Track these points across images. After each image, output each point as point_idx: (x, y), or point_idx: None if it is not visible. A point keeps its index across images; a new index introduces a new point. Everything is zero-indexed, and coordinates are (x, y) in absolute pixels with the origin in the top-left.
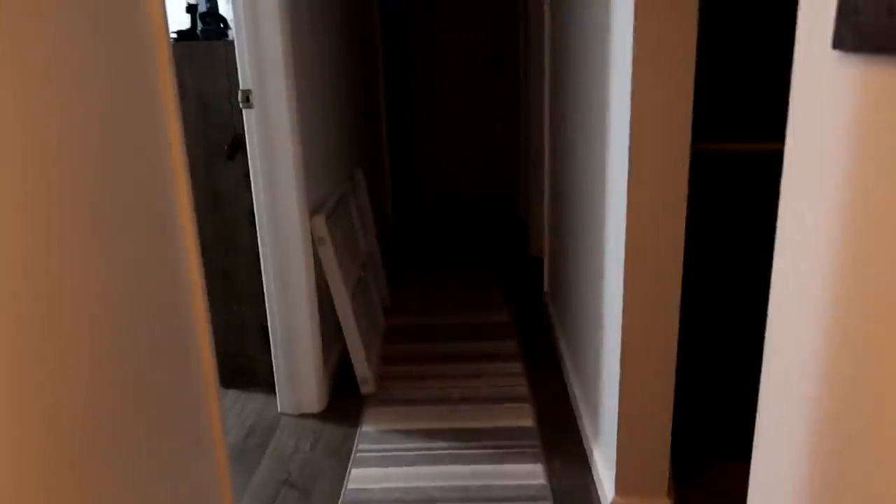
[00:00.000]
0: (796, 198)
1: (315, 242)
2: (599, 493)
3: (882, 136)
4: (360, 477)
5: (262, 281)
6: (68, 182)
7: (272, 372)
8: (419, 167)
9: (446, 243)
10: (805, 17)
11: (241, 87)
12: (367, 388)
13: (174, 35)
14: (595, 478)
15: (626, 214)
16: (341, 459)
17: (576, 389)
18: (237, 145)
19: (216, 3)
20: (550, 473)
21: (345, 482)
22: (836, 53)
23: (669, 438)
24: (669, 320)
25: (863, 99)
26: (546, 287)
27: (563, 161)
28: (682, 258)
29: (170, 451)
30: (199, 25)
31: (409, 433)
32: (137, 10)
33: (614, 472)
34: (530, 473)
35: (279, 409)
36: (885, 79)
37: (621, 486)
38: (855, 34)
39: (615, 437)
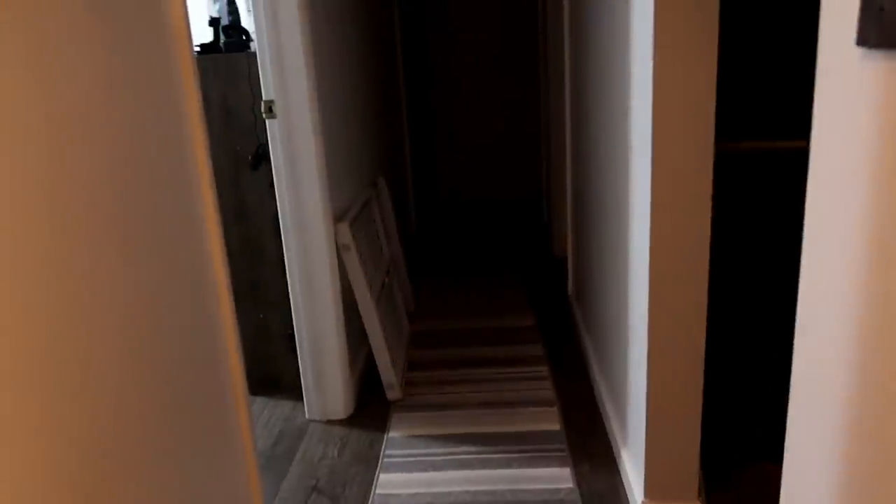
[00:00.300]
0: (823, 196)
1: (339, 249)
2: (628, 496)
3: None
4: (387, 482)
5: (287, 288)
6: (96, 193)
7: (299, 378)
8: (440, 171)
9: (469, 247)
10: (828, 14)
11: (263, 98)
12: (393, 394)
13: (198, 48)
14: (624, 481)
15: (650, 214)
16: (369, 465)
17: (602, 392)
18: (261, 155)
19: (238, 16)
20: (578, 477)
21: (373, 488)
22: (860, 50)
23: (699, 440)
24: (697, 320)
25: (887, 95)
26: (570, 289)
27: (585, 161)
28: (707, 258)
29: (200, 458)
30: (222, 38)
31: (435, 438)
32: (161, 24)
33: (643, 474)
34: (558, 477)
35: (306, 416)
36: None
37: (650, 489)
38: (879, 31)
39: (643, 439)
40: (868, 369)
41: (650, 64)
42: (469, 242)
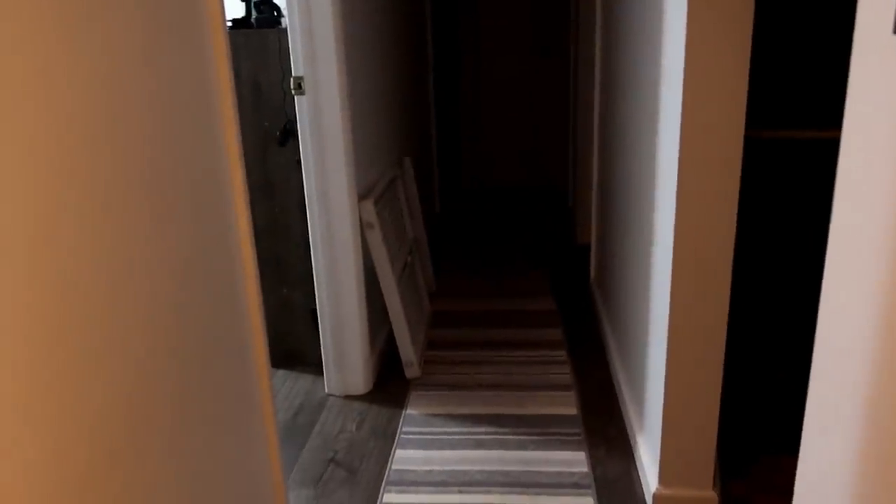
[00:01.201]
0: (852, 186)
1: (363, 227)
2: (643, 482)
3: None
4: (404, 458)
5: (311, 265)
6: (128, 160)
7: (320, 354)
8: (466, 155)
9: (492, 231)
10: (865, 3)
11: (293, 74)
12: (412, 372)
13: (229, 23)
14: (638, 467)
15: (675, 201)
16: (386, 441)
17: (620, 378)
18: (289, 131)
19: None
20: (593, 461)
21: (389, 463)
22: None
23: (716, 429)
24: (718, 309)
25: None
26: (592, 275)
27: (612, 148)
28: (732, 246)
29: (223, 426)
30: (254, 14)
31: (452, 417)
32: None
33: (658, 461)
34: (573, 461)
35: (326, 390)
36: None
37: (665, 476)
38: None
39: (660, 426)
40: (889, 366)
41: (682, 50)
42: (492, 226)
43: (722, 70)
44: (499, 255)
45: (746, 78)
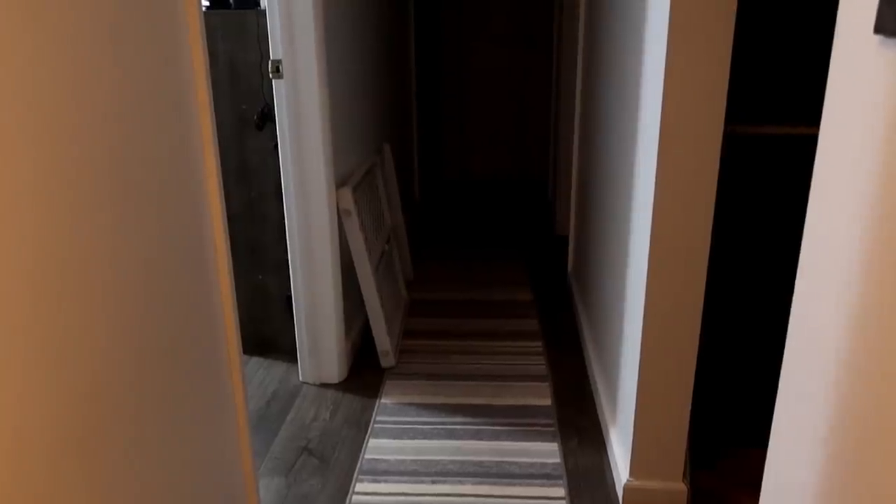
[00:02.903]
0: (828, 184)
1: (340, 214)
2: (614, 474)
3: None
4: (377, 447)
5: (287, 251)
6: (94, 148)
7: (295, 341)
8: (447, 144)
9: (472, 220)
10: (847, 1)
11: (271, 58)
12: (387, 361)
13: (207, 3)
14: (610, 458)
15: (654, 195)
16: (359, 430)
17: (595, 370)
18: (266, 115)
19: None
20: (566, 453)
21: (362, 452)
22: (878, 38)
23: (687, 422)
24: (693, 303)
25: None
26: (570, 266)
27: (592, 140)
28: (709, 241)
29: (192, 415)
30: None
31: (427, 407)
32: None
33: (630, 453)
34: (546, 452)
35: (300, 379)
36: None
37: (636, 467)
38: None
39: (632, 418)
40: (858, 363)
41: (664, 45)
42: (472, 215)
43: (703, 64)
44: (478, 244)
45: (727, 73)
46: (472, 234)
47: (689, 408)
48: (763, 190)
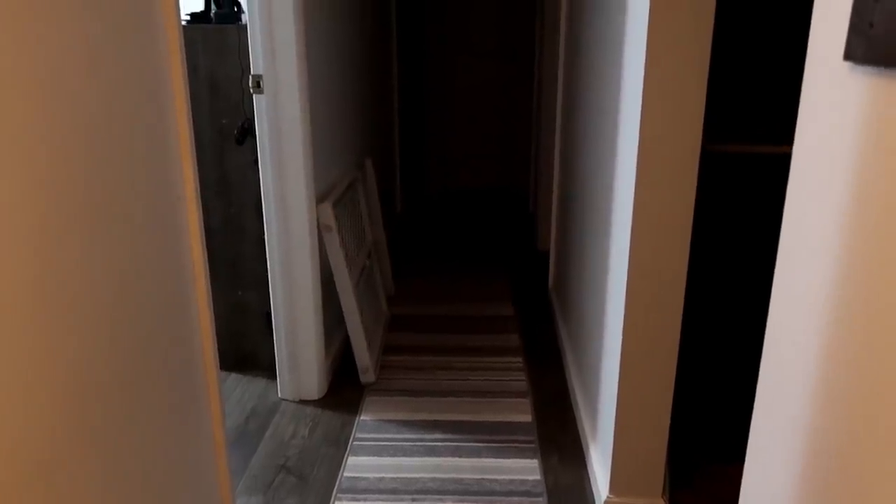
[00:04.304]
0: (801, 203)
1: (321, 229)
2: (594, 491)
3: (889, 147)
4: (356, 465)
5: (266, 267)
6: (66, 163)
7: (274, 357)
8: (429, 158)
9: (454, 234)
10: (818, 28)
11: (252, 72)
12: (367, 377)
13: (187, 17)
14: (590, 475)
15: (632, 212)
16: (339, 447)
17: (575, 386)
18: (247, 130)
19: None
20: (546, 469)
21: (341, 470)
22: (848, 64)
23: (667, 439)
24: (671, 321)
25: (872, 109)
26: (551, 282)
27: (573, 155)
28: (687, 258)
29: (167, 432)
30: (213, 8)
31: (407, 423)
32: None
33: (609, 470)
34: (526, 469)
35: (279, 395)
36: (894, 91)
37: (616, 484)
38: (867, 47)
39: (612, 435)
40: (832, 380)
41: (642, 63)
42: (454, 229)
43: (681, 84)
44: (459, 258)
45: (704, 92)
46: (454, 249)
47: (669, 424)
48: (739, 207)
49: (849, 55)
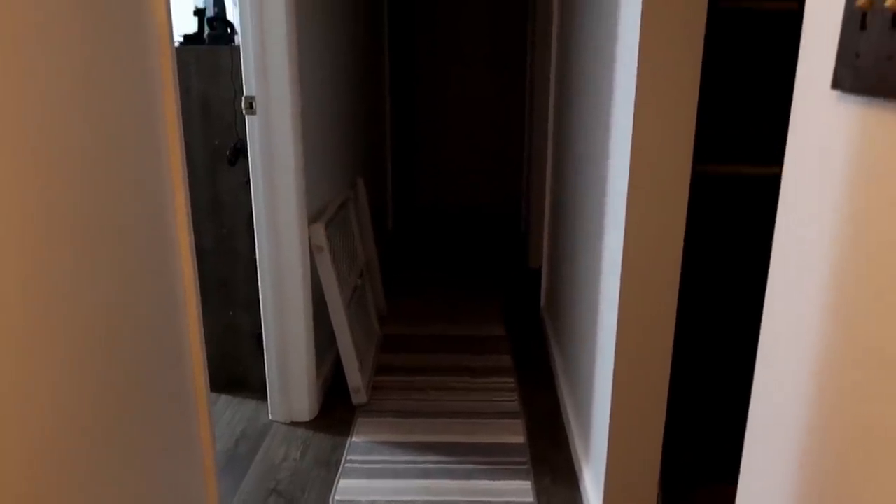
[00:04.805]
0: (791, 226)
1: (313, 250)
2: None
3: (876, 173)
4: (347, 488)
5: (258, 287)
6: (61, 183)
7: (265, 378)
8: (422, 175)
9: (446, 253)
10: (806, 57)
11: (245, 94)
12: (358, 399)
13: (181, 39)
14: (583, 496)
15: (623, 232)
16: (329, 469)
17: (568, 406)
18: (239, 150)
19: (224, 8)
20: (539, 491)
21: (332, 493)
22: (835, 93)
23: (659, 459)
24: (664, 340)
25: (859, 137)
26: (543, 301)
27: (564, 174)
28: (678, 278)
29: (156, 457)
30: (207, 30)
31: (399, 445)
32: (143, 15)
33: (602, 491)
34: (519, 490)
35: (270, 417)
36: (880, 120)
37: None
38: (854, 76)
39: (605, 455)
40: (823, 402)
41: (633, 85)
42: (446, 245)
43: (671, 105)
44: (451, 276)
45: (694, 114)
46: (446, 267)
47: (661, 444)
48: (730, 226)
49: (836, 84)
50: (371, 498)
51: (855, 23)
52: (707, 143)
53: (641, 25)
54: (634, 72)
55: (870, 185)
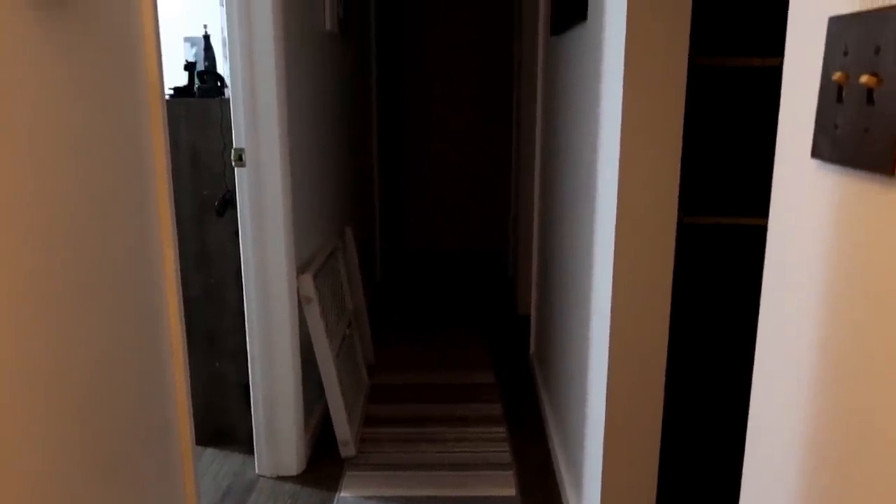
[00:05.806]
0: (777, 284)
1: (301, 301)
2: None
3: (858, 241)
4: None
5: (245, 338)
6: (48, 240)
7: (252, 431)
8: (409, 221)
9: (434, 299)
10: (785, 125)
11: (234, 146)
12: (347, 451)
13: (171, 91)
14: None
15: (612, 282)
16: None
17: (559, 456)
18: (228, 201)
19: (214, 62)
20: None
21: None
22: (815, 162)
23: None
24: (654, 389)
25: (838, 205)
26: (532, 348)
27: (551, 220)
28: (668, 324)
29: None
30: (197, 83)
31: (388, 500)
32: (136, 73)
33: None
34: None
35: (257, 471)
36: (858, 189)
37: None
38: (832, 146)
39: None
40: (818, 444)
41: (617, 138)
42: (434, 292)
43: (656, 157)
44: (440, 324)
45: (678, 166)
46: (434, 313)
47: (655, 492)
48: (717, 275)
49: (815, 153)
50: None
51: (832, 95)
52: (695, 194)
53: (624, 77)
54: (618, 125)
55: (853, 253)
